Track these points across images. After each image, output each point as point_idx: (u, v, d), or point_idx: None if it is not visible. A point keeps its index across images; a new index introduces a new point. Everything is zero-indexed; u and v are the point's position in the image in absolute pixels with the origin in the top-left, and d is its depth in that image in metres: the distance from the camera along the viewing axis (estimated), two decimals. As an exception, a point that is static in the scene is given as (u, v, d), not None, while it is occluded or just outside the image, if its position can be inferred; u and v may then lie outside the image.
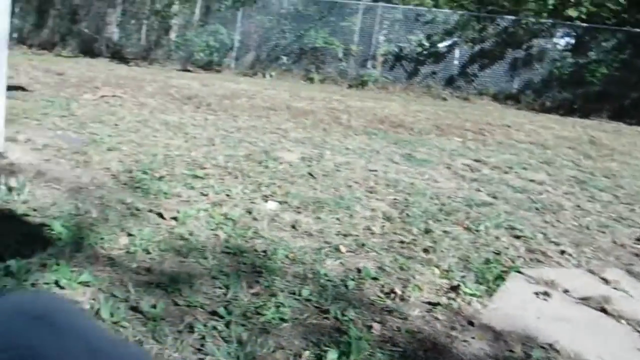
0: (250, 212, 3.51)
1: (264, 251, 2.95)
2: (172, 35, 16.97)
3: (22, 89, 7.60)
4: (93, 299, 2.30)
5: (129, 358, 0.96)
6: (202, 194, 3.78)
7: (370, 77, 15.17)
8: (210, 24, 16.57)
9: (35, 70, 10.40)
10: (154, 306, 2.25)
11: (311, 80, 15.18)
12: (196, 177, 4.14)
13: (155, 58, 15.98)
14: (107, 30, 17.47)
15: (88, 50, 16.74)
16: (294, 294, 2.53)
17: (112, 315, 2.16)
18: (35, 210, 3.20)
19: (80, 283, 2.40)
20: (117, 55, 16.20)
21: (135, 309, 2.25)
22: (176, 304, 2.32)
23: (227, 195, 3.82)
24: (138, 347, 1.11)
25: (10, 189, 3.45)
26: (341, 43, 15.90)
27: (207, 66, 15.33)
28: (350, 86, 14.99)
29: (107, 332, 1.11)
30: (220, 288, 2.50)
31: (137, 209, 3.34)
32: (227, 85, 11.27)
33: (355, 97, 12.15)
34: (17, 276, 2.39)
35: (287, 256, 2.92)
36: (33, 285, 2.35)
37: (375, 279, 2.79)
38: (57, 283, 2.38)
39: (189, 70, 14.06)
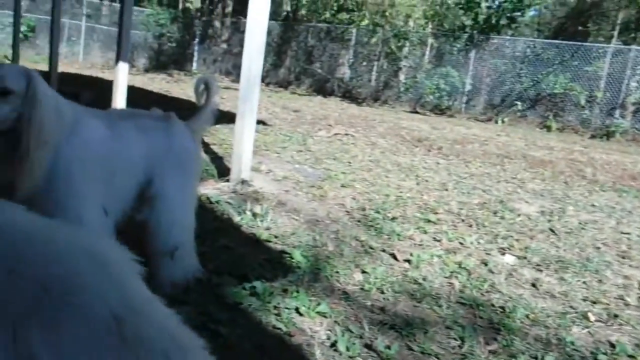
0: (485, 264, 3.43)
1: (502, 307, 2.84)
2: (402, 77, 17.53)
3: (263, 123, 8.42)
4: (329, 330, 2.42)
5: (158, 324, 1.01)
6: (435, 239, 3.79)
7: (618, 128, 14.06)
8: (441, 67, 16.81)
9: (273, 107, 11.46)
10: (389, 347, 2.29)
11: (548, 128, 14.53)
12: (429, 221, 4.18)
13: (384, 99, 16.63)
14: (339, 70, 18.67)
15: (321, 89, 18.05)
16: (535, 358, 2.39)
17: (347, 349, 2.24)
18: (276, 237, 3.48)
19: (317, 313, 2.54)
20: (348, 95, 17.19)
21: (369, 346, 2.31)
22: (410, 349, 2.33)
23: (461, 243, 3.78)
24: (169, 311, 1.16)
25: (254, 215, 3.81)
26: (584, 89, 15.04)
27: (437, 109, 15.54)
28: (593, 136, 14.05)
29: (145, 291, 1.15)
30: (455, 339, 2.46)
31: (371, 248, 3.46)
32: (457, 129, 11.28)
33: (600, 149, 11.32)
34: (261, 297, 2.61)
35: (527, 316, 2.78)
36: (275, 307, 2.54)
37: (632, 357, 2.53)
38: (297, 310, 2.54)
39: (417, 112, 14.36)
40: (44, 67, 15.02)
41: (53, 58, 9.13)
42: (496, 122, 14.97)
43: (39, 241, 1.02)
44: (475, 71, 16.61)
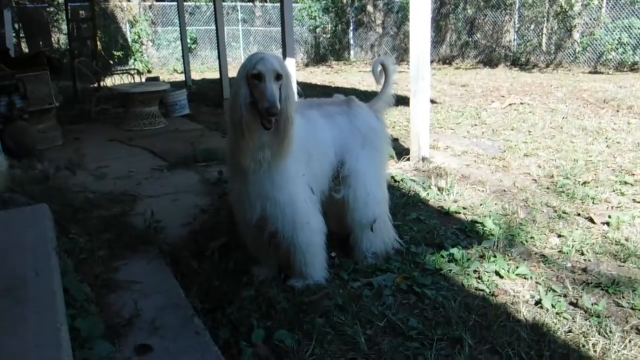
0: (695, 221, 3.36)
1: None
2: (576, 36, 16.64)
3: (433, 101, 8.55)
4: (532, 290, 2.58)
5: None
6: (635, 201, 3.76)
7: None
8: (622, 19, 15.71)
9: (440, 84, 11.52)
10: (596, 304, 2.40)
11: None
12: (625, 183, 4.12)
13: (558, 62, 15.95)
14: (505, 38, 18.15)
15: (486, 60, 17.71)
16: None
17: (553, 306, 2.39)
18: (465, 208, 3.67)
19: (518, 275, 2.71)
20: (517, 62, 16.70)
21: (574, 304, 2.44)
22: (618, 305, 2.43)
23: (664, 202, 3.71)
24: None
25: (440, 189, 4.03)
26: None
27: (621, 66, 14.57)
28: None
29: None
30: (667, 295, 2.50)
31: (564, 212, 3.53)
32: (648, 85, 10.57)
33: None
34: (459, 263, 2.84)
35: None
36: (475, 271, 2.75)
37: None
38: (497, 273, 2.73)
39: (599, 72, 13.60)
40: (210, 74, 16.32)
41: (222, 65, 9.94)
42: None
43: None
44: (665, 19, 15.31)
